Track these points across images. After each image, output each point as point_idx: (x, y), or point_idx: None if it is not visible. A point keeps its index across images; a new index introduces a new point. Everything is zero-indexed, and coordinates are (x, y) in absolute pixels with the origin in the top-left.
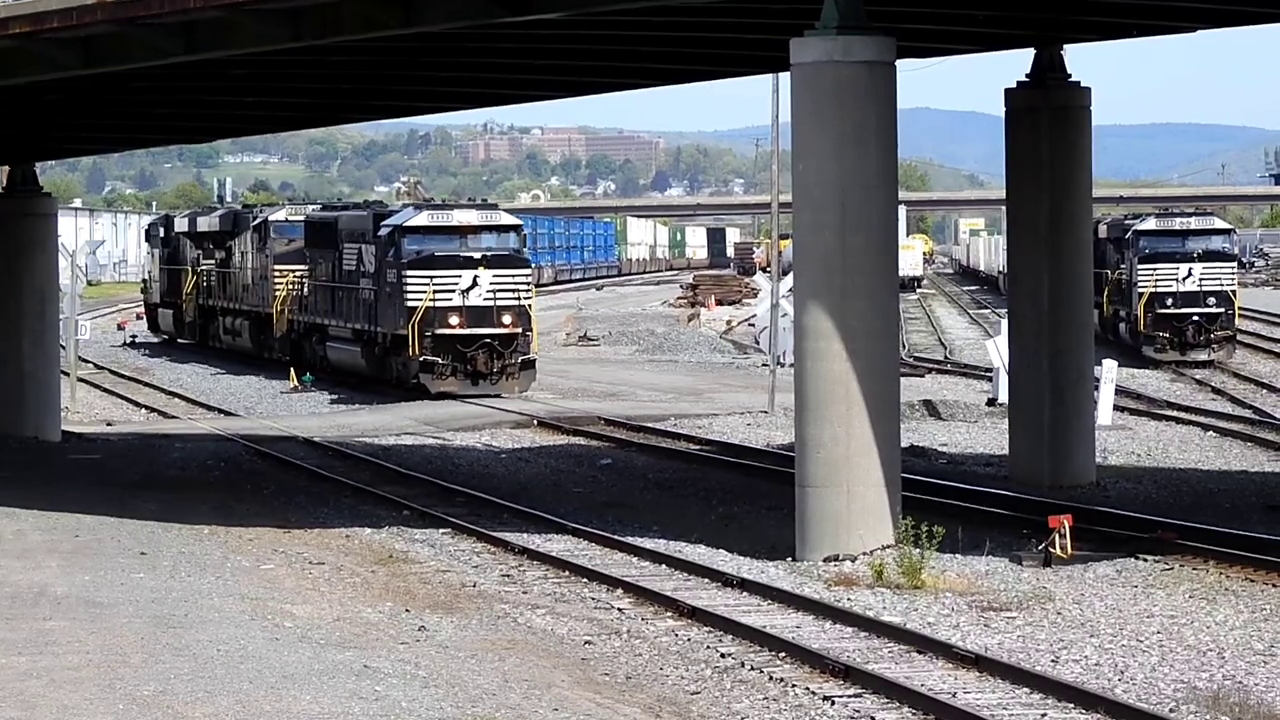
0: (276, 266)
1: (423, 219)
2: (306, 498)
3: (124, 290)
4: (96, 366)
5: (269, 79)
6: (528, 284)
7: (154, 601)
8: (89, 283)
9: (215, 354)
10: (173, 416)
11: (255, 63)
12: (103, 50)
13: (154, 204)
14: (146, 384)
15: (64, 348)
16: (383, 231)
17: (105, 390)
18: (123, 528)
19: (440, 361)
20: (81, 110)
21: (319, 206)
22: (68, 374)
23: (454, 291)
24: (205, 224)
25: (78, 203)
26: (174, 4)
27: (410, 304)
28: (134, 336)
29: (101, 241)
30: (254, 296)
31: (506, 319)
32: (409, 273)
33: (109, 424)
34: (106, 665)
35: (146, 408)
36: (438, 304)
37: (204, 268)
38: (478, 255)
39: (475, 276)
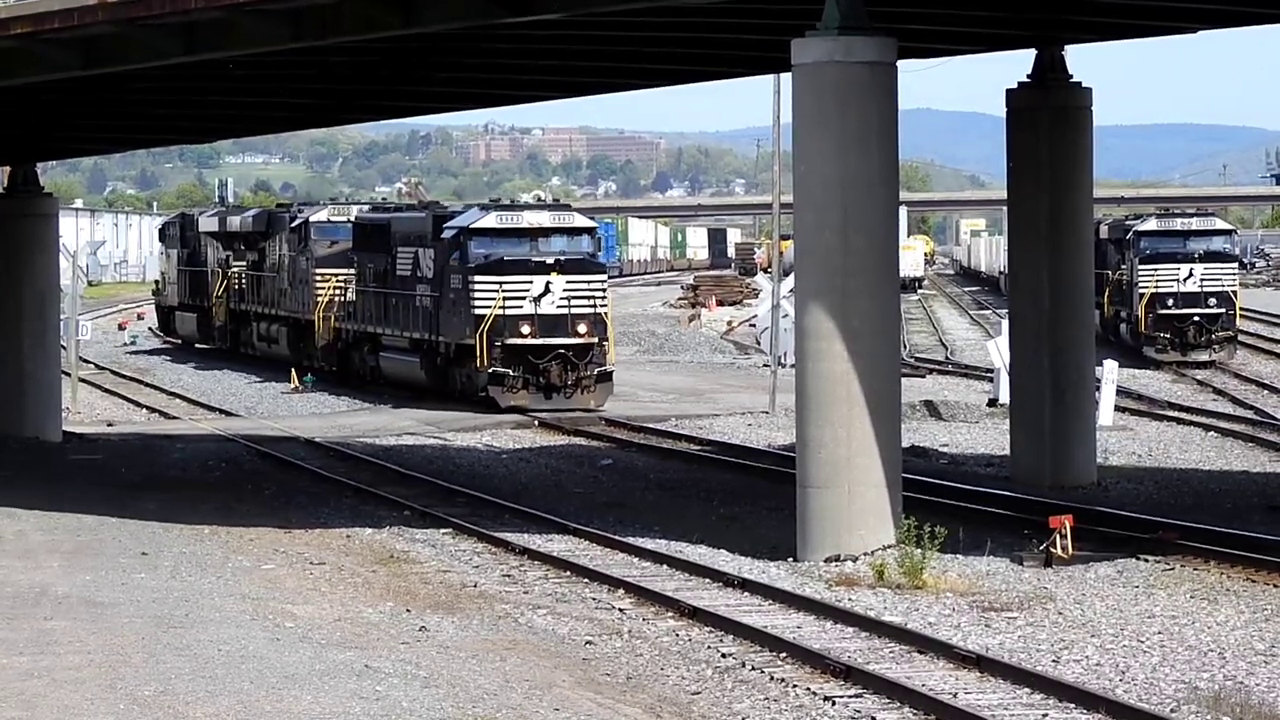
0: (318, 270)
1: (491, 221)
2: (307, 498)
3: (125, 290)
4: (98, 367)
5: (269, 79)
6: (603, 290)
7: (155, 601)
8: (90, 283)
9: (244, 360)
10: (174, 417)
11: (256, 63)
12: (103, 51)
13: (155, 204)
14: (147, 384)
15: (65, 348)
16: (446, 234)
17: (106, 390)
18: (124, 528)
19: (510, 374)
20: (82, 111)
21: (368, 207)
22: (69, 374)
23: (525, 299)
24: (236, 223)
25: (79, 203)
26: (174, 5)
27: (478, 312)
28: (133, 339)
29: (102, 242)
30: (292, 302)
31: (581, 328)
32: (476, 278)
33: (109, 424)
34: (108, 665)
35: (147, 408)
36: (507, 312)
37: (234, 270)
38: (550, 260)
39: (548, 283)
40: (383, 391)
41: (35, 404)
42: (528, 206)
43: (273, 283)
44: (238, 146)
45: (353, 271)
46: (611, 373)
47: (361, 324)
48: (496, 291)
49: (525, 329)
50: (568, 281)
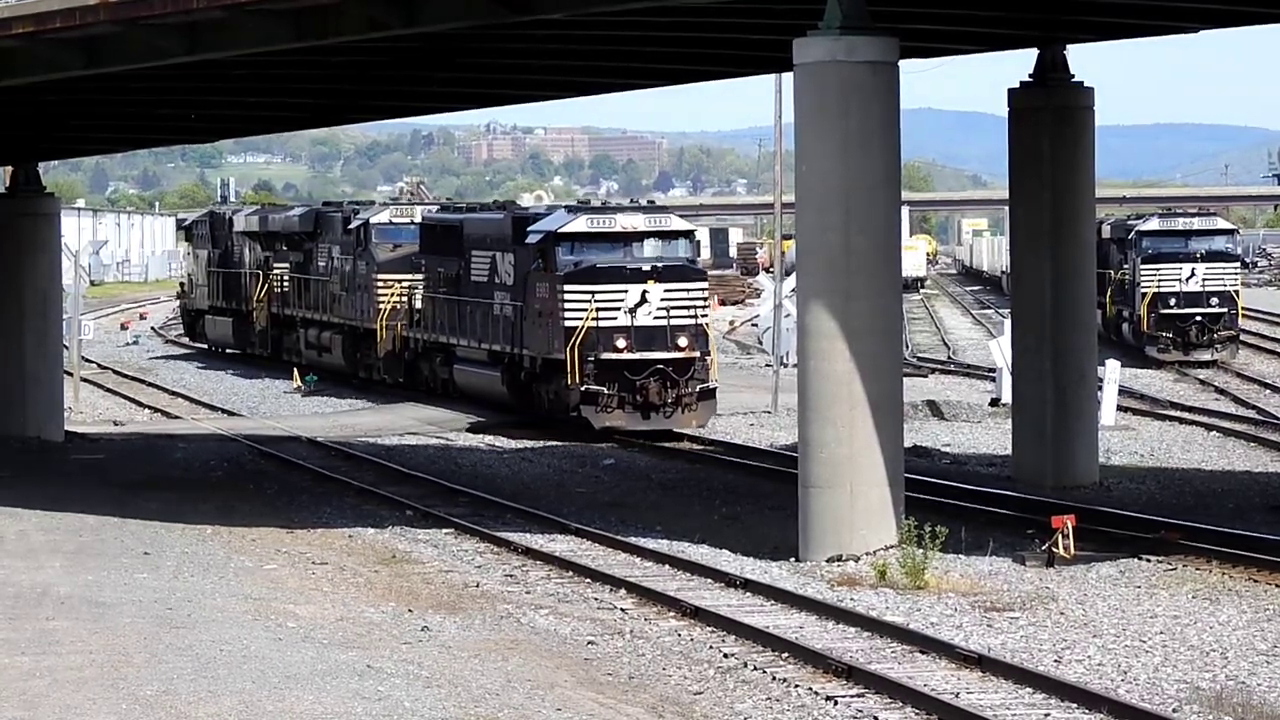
0: (380, 276)
1: (581, 224)
2: (310, 498)
3: (127, 290)
4: (100, 366)
5: (271, 79)
6: (704, 299)
7: (157, 601)
8: (92, 283)
9: (287, 367)
10: (176, 416)
11: (257, 63)
12: (105, 50)
13: (157, 204)
14: (150, 384)
15: (67, 348)
16: (531, 238)
17: (108, 390)
18: (126, 528)
19: (605, 391)
20: (84, 110)
21: (435, 207)
22: (70, 374)
23: (619, 309)
24: (280, 223)
25: (81, 203)
26: (176, 5)
27: (568, 324)
28: (135, 339)
29: (105, 241)
30: (348, 308)
31: (682, 341)
32: (566, 288)
33: (118, 423)
34: (109, 665)
35: (150, 408)
36: (601, 324)
37: (277, 272)
38: (647, 267)
39: (644, 292)
40: (383, 390)
41: (37, 403)
42: (621, 209)
43: (323, 287)
44: (239, 146)
45: (419, 277)
46: (715, 389)
47: (433, 334)
48: (589, 302)
49: (620, 342)
50: (665, 290)
